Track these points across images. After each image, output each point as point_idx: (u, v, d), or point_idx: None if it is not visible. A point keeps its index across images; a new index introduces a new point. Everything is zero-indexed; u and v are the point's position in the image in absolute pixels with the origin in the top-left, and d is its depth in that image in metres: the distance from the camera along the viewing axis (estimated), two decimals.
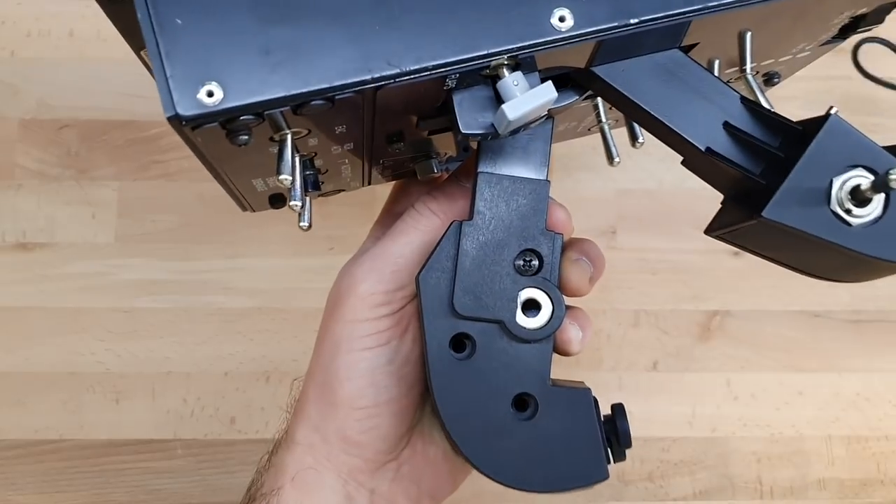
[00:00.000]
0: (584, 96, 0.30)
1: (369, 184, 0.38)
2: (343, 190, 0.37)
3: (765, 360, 0.54)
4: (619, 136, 0.38)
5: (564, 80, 0.29)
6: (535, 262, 0.30)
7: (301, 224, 0.32)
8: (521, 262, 0.30)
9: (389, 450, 0.32)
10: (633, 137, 0.37)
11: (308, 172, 0.32)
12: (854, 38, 0.56)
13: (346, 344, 0.31)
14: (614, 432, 0.31)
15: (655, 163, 0.56)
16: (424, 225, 0.32)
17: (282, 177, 0.26)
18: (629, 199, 0.55)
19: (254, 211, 0.36)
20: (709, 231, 0.31)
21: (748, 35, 0.30)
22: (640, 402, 0.52)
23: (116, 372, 0.51)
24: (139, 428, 0.51)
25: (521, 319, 0.29)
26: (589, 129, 0.41)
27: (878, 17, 0.33)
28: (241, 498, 0.33)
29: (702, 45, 0.29)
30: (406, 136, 0.31)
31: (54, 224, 0.53)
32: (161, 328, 0.52)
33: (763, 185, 0.27)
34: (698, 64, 0.28)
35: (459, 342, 0.29)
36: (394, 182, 0.40)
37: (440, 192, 0.33)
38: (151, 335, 0.52)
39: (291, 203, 0.28)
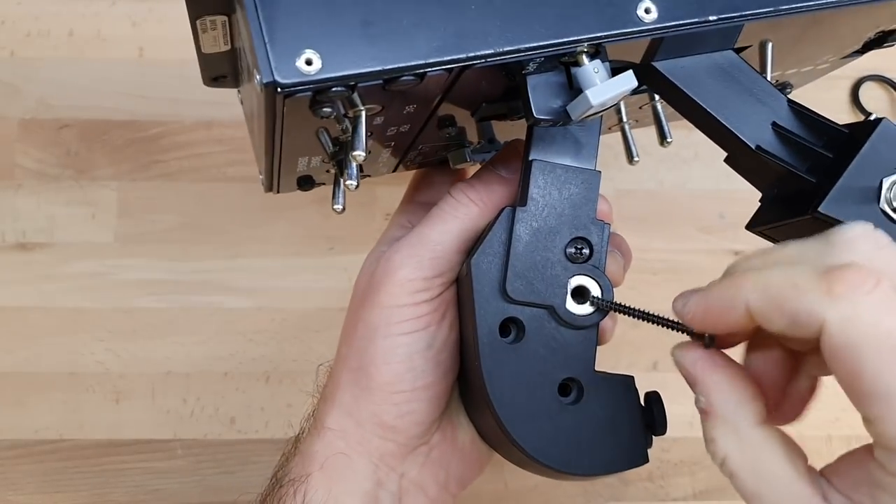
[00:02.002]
0: (640, 89, 0.30)
1: (394, 171, 0.38)
2: (369, 175, 0.38)
3: None
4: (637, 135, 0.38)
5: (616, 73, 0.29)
6: (586, 251, 0.30)
7: (336, 207, 0.33)
8: (573, 250, 0.30)
9: (422, 434, 0.32)
10: (662, 136, 0.38)
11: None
12: (854, 76, 0.57)
13: (384, 329, 0.31)
14: (651, 419, 0.31)
15: (656, 163, 0.56)
16: (463, 213, 0.32)
17: (356, 153, 0.26)
18: (629, 199, 0.55)
19: (278, 192, 0.36)
20: (751, 227, 0.32)
21: (769, 45, 0.31)
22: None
23: (116, 372, 0.51)
24: (139, 428, 0.51)
25: (571, 306, 0.30)
26: (609, 128, 0.41)
27: None
28: (266, 485, 0.33)
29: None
30: (456, 122, 0.32)
31: (54, 224, 0.53)
32: (161, 328, 0.52)
33: (812, 183, 0.28)
34: (750, 66, 0.29)
35: (505, 327, 0.30)
36: (413, 172, 0.40)
37: (478, 181, 0.33)
38: (151, 335, 0.52)
39: (349, 182, 0.28)
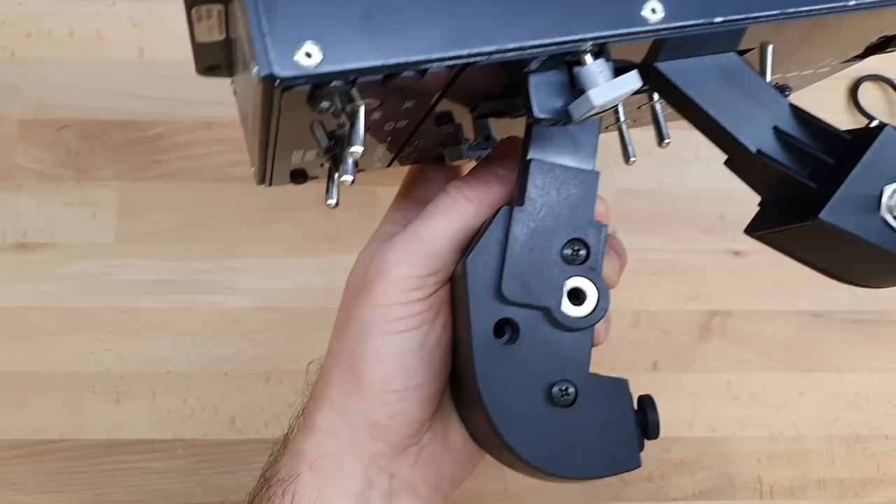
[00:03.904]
0: (640, 89, 0.30)
1: (389, 166, 0.38)
2: (363, 170, 0.37)
3: (765, 360, 0.54)
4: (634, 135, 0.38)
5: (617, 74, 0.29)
6: (583, 252, 0.30)
7: (329, 202, 0.32)
8: (570, 252, 0.30)
9: (413, 434, 0.32)
10: (661, 137, 0.37)
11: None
12: (853, 76, 0.57)
13: (377, 327, 0.31)
14: (644, 423, 0.31)
15: (656, 163, 0.56)
16: (459, 211, 0.32)
17: (354, 148, 0.25)
18: (629, 199, 0.55)
19: (270, 185, 0.35)
20: (750, 231, 0.32)
21: (769, 48, 0.31)
22: None
23: (116, 372, 0.51)
24: (139, 428, 0.51)
25: (567, 308, 0.29)
26: (606, 128, 0.41)
27: None
28: (255, 483, 0.33)
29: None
30: (454, 118, 0.31)
31: (54, 224, 0.53)
32: (161, 328, 0.52)
33: (813, 188, 0.28)
34: (753, 69, 0.29)
35: (499, 328, 0.30)
36: (408, 167, 0.40)
37: (474, 179, 0.33)
38: (151, 335, 0.52)
39: (344, 177, 0.27)
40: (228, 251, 0.53)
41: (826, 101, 0.57)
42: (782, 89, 0.38)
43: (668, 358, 0.54)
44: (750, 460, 0.52)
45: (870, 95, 0.58)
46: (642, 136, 0.41)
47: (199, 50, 0.29)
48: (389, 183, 0.43)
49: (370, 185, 0.53)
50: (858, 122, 0.58)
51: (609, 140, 0.39)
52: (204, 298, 0.52)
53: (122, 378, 0.51)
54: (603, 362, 0.57)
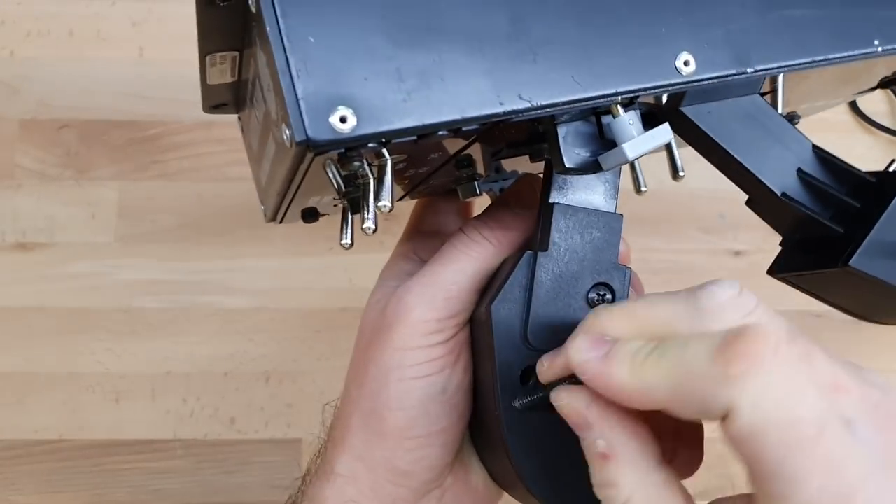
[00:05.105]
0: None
1: (400, 200, 0.37)
2: (392, 208, 0.37)
3: None
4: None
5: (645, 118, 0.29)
6: (609, 296, 0.29)
7: (343, 242, 0.32)
8: (595, 296, 0.29)
9: (435, 479, 0.31)
10: (675, 171, 0.37)
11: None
12: None
13: (397, 372, 0.30)
14: None
15: (656, 163, 0.56)
16: (478, 252, 0.31)
17: (382, 203, 0.25)
18: (629, 199, 0.55)
19: (281, 222, 0.35)
20: (774, 273, 0.31)
21: (780, 79, 0.30)
22: None
23: (116, 372, 0.51)
24: (139, 428, 0.51)
25: None
26: None
27: None
28: None
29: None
30: (474, 162, 0.31)
31: (54, 224, 0.53)
32: (161, 328, 0.52)
33: (839, 232, 0.28)
34: (775, 110, 0.29)
35: (526, 375, 0.29)
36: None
37: (491, 219, 0.32)
38: (151, 335, 0.52)
39: (366, 225, 0.26)
40: (228, 251, 0.53)
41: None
42: (791, 118, 0.38)
43: None
44: None
45: (871, 99, 0.58)
46: None
47: (209, 91, 0.29)
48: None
49: None
50: (860, 125, 0.58)
51: None
52: (204, 298, 0.52)
53: (122, 378, 0.51)
54: None
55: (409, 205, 0.39)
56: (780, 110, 0.31)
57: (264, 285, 0.53)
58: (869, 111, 0.58)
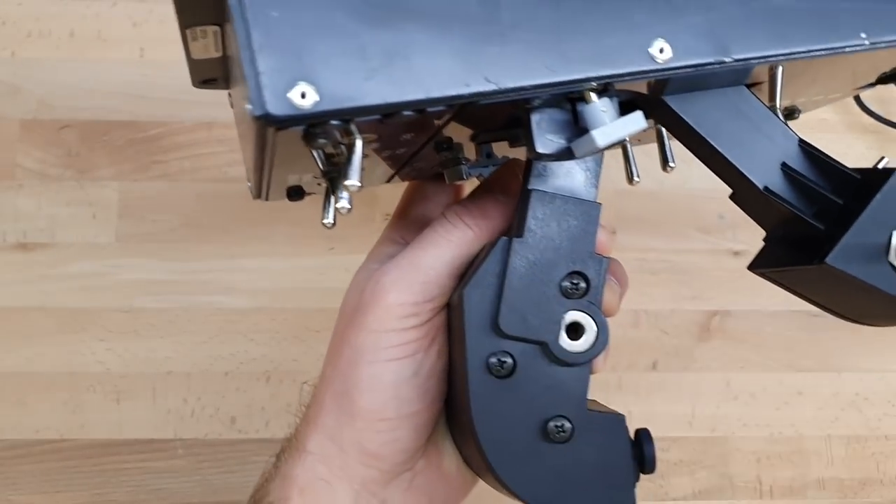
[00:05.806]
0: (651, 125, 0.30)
1: (388, 182, 0.37)
2: (363, 186, 0.37)
3: (765, 360, 0.54)
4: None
5: (626, 107, 0.29)
6: (583, 285, 0.29)
7: (326, 221, 0.31)
8: (569, 285, 0.29)
9: (406, 461, 0.31)
10: (665, 161, 0.36)
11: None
12: None
13: (371, 354, 0.30)
14: (640, 457, 0.30)
15: (656, 164, 0.56)
16: (457, 237, 0.31)
17: (350, 182, 0.25)
18: (629, 199, 0.55)
19: (267, 200, 0.35)
20: (754, 268, 0.31)
21: (779, 71, 0.30)
22: (640, 402, 0.52)
23: (116, 372, 0.51)
24: (139, 428, 0.51)
25: (565, 342, 0.29)
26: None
27: None
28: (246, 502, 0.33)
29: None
30: (454, 145, 0.31)
31: (55, 224, 0.53)
32: (161, 328, 0.52)
33: (820, 229, 0.27)
34: (762, 102, 0.28)
35: (493, 360, 0.29)
36: (406, 183, 0.39)
37: (473, 205, 0.32)
38: (151, 335, 0.52)
39: (340, 204, 0.27)
40: (228, 251, 0.53)
41: None
42: (791, 112, 0.38)
43: (667, 358, 0.54)
44: (749, 460, 0.52)
45: (876, 95, 0.58)
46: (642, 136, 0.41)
47: (195, 65, 0.29)
48: (389, 183, 0.43)
49: (370, 186, 0.53)
50: (860, 125, 0.58)
51: None
52: (204, 298, 0.53)
53: (123, 378, 0.51)
54: None
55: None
56: (777, 103, 0.30)
57: (265, 285, 0.53)
58: (871, 104, 0.58)
